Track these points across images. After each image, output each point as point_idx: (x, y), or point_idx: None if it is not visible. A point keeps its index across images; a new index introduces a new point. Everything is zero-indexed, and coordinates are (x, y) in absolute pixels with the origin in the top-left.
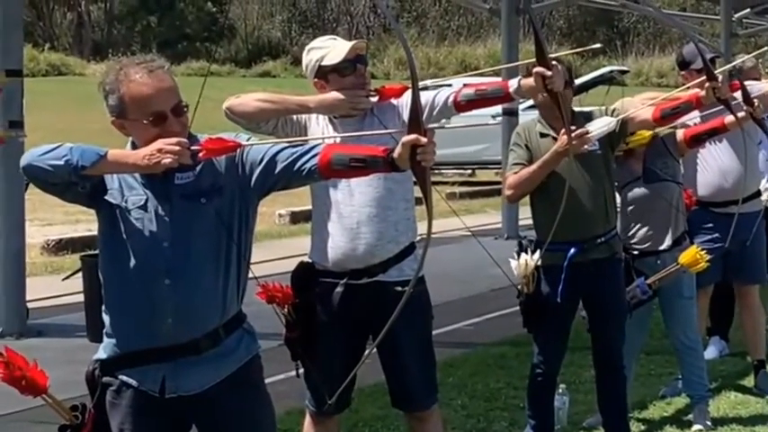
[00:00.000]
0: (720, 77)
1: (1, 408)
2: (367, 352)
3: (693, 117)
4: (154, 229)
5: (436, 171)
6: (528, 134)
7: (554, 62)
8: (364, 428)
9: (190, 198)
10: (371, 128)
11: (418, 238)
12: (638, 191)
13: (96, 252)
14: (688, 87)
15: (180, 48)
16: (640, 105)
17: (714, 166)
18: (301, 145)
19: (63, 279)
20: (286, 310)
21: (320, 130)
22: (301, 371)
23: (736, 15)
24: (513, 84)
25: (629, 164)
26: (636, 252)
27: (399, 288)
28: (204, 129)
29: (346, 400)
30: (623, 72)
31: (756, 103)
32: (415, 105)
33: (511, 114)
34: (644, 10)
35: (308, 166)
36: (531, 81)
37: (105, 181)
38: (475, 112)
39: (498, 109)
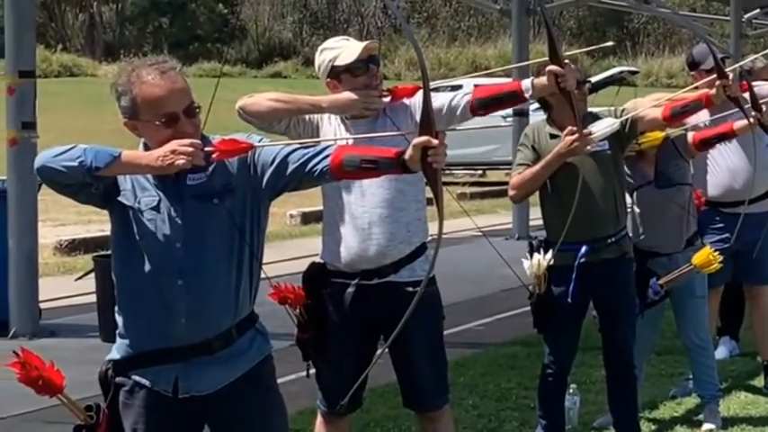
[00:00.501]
0: (731, 76)
1: (14, 408)
2: (379, 352)
3: (703, 119)
4: (167, 230)
5: (447, 172)
6: (537, 135)
7: (566, 61)
8: (376, 428)
9: (202, 199)
10: (384, 128)
11: (429, 238)
12: (650, 195)
13: (109, 252)
14: (697, 87)
15: (191, 49)
16: (650, 105)
17: (724, 167)
18: (313, 146)
19: (76, 279)
20: (298, 310)
21: (332, 131)
22: (312, 371)
23: (746, 16)
24: (526, 84)
25: (641, 166)
26: (648, 253)
27: (411, 288)
28: (216, 130)
29: (358, 400)
30: (633, 72)
31: (765, 109)
32: (426, 107)
33: (522, 115)
34: (654, 10)
35: (319, 167)
36: (543, 80)
37: (118, 182)
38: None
39: (509, 110)
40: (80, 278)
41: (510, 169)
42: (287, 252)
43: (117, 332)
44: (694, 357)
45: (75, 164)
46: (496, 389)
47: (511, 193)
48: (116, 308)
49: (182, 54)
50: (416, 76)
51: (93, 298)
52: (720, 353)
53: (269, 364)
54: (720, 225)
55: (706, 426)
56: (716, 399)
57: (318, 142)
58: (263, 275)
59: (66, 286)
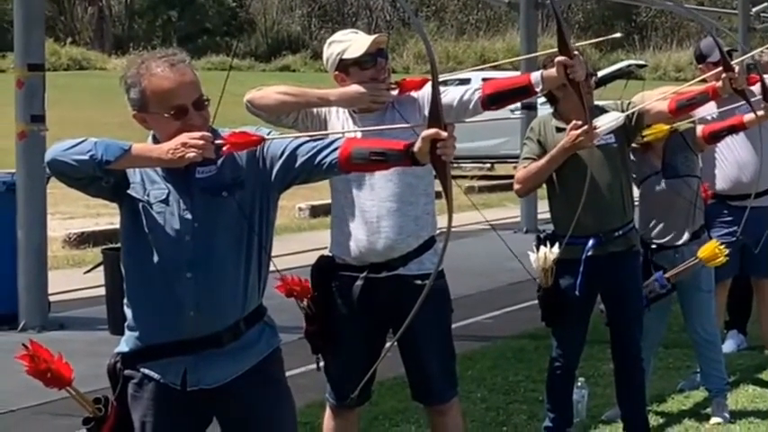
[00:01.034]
0: (737, 68)
1: (23, 401)
2: (388, 345)
3: (710, 112)
4: (175, 223)
5: (455, 165)
6: (543, 129)
7: (575, 52)
8: (384, 421)
9: (211, 192)
10: (392, 122)
11: (438, 231)
12: (658, 186)
13: (118, 246)
14: (704, 79)
15: (200, 42)
16: (657, 98)
17: (732, 160)
18: (322, 139)
19: (85, 272)
20: (305, 303)
21: (341, 124)
22: (322, 364)
23: (754, 9)
24: (535, 77)
25: (648, 158)
26: (654, 246)
27: (419, 281)
28: (225, 123)
29: (366, 393)
30: (641, 66)
31: None
32: (435, 99)
33: (530, 108)
34: (662, 4)
35: (328, 159)
36: (553, 72)
37: (128, 175)
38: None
39: (517, 103)
40: (89, 271)
41: (518, 162)
42: (295, 245)
43: (126, 325)
44: (701, 351)
45: (86, 157)
46: (504, 382)
47: (516, 187)
48: (125, 300)
49: (191, 47)
50: (425, 70)
51: (102, 291)
52: (728, 346)
53: (277, 357)
54: (728, 218)
55: (714, 419)
56: (723, 392)
57: (327, 135)
58: (271, 268)
59: (75, 279)
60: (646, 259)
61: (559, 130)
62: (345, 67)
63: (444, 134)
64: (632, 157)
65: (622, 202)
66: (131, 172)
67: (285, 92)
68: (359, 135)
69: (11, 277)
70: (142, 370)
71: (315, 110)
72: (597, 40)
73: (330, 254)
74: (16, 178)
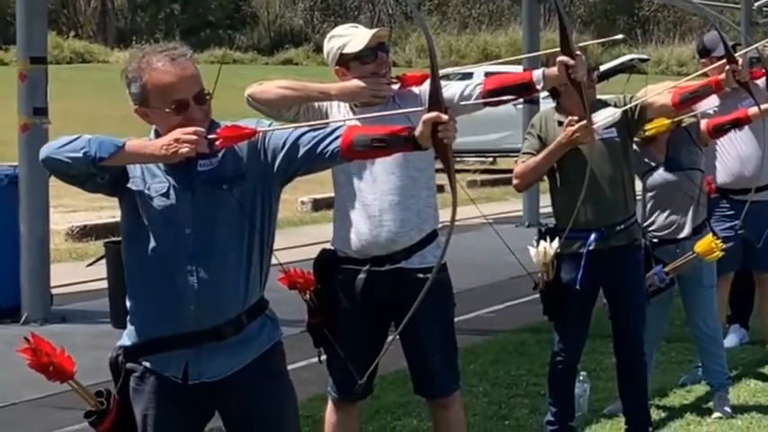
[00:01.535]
0: (741, 61)
1: (25, 394)
2: (390, 339)
3: (712, 106)
4: (176, 216)
5: (458, 159)
6: (545, 123)
7: (577, 52)
8: (386, 415)
9: (212, 184)
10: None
11: (440, 225)
12: (660, 178)
13: (120, 239)
14: (705, 72)
15: (203, 35)
16: (662, 92)
17: (734, 154)
18: (323, 128)
19: (87, 265)
20: (308, 296)
21: (342, 118)
22: (324, 357)
23: (756, 4)
24: (537, 75)
25: (650, 151)
26: (656, 240)
27: (422, 275)
28: (227, 116)
29: (368, 386)
30: (644, 60)
31: None
32: (435, 84)
33: (532, 102)
34: None
35: (330, 148)
36: (554, 71)
37: (127, 169)
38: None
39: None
40: (91, 264)
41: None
42: (298, 239)
43: (128, 318)
44: (703, 346)
45: (80, 155)
46: (507, 376)
47: (515, 181)
48: (127, 294)
49: (193, 40)
50: (428, 63)
51: (105, 284)
52: (730, 341)
53: (279, 351)
54: (730, 212)
55: (716, 414)
56: (725, 387)
57: (328, 124)
58: (273, 261)
59: (77, 272)
60: (647, 253)
61: (561, 124)
62: (346, 62)
63: (445, 117)
64: (636, 148)
65: (624, 197)
66: (131, 166)
67: (286, 86)
68: (358, 124)
69: (13, 270)
70: (144, 363)
71: (316, 104)
72: (599, 40)
73: (332, 247)
74: (19, 171)
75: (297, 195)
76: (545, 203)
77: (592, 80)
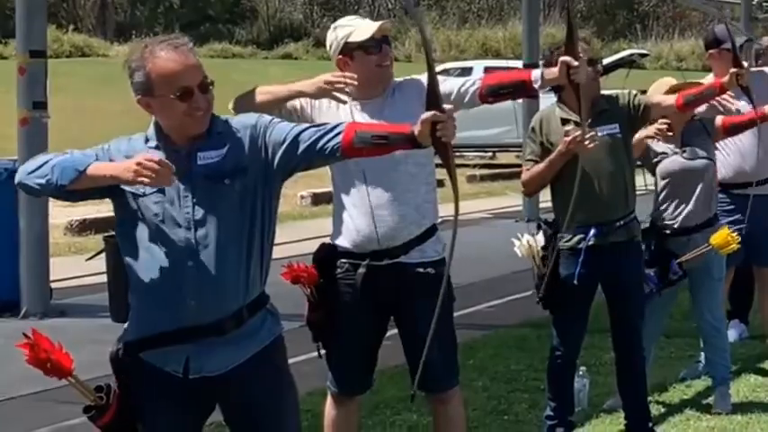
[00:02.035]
0: (746, 64)
1: (25, 388)
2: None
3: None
4: (175, 212)
5: (457, 154)
6: (546, 125)
7: (581, 55)
8: (385, 410)
9: (213, 179)
10: (393, 106)
11: (439, 220)
12: (677, 165)
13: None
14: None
15: (202, 29)
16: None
17: (734, 148)
18: (324, 124)
19: (86, 259)
20: (309, 290)
21: (341, 111)
22: (323, 352)
23: None
24: (535, 75)
25: (666, 140)
26: (668, 231)
27: (421, 269)
28: (227, 111)
29: (368, 381)
30: (643, 55)
31: None
32: (432, 82)
33: (531, 97)
34: None
35: (331, 144)
36: (554, 71)
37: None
38: None
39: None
40: (91, 258)
41: (520, 151)
42: (297, 233)
43: (129, 314)
44: (708, 339)
45: (44, 182)
46: (506, 370)
47: (522, 189)
48: (129, 289)
49: (193, 34)
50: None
51: (104, 278)
52: (730, 336)
53: (280, 345)
54: (730, 207)
55: (716, 409)
56: (727, 381)
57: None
58: (273, 256)
59: (76, 266)
60: (659, 245)
61: (564, 121)
62: (350, 51)
63: (443, 116)
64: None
65: (625, 193)
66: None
67: (262, 91)
68: (357, 119)
69: (12, 264)
70: (144, 358)
71: (297, 105)
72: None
73: (332, 242)
74: (18, 165)
75: (296, 190)
76: (545, 198)
77: (597, 72)
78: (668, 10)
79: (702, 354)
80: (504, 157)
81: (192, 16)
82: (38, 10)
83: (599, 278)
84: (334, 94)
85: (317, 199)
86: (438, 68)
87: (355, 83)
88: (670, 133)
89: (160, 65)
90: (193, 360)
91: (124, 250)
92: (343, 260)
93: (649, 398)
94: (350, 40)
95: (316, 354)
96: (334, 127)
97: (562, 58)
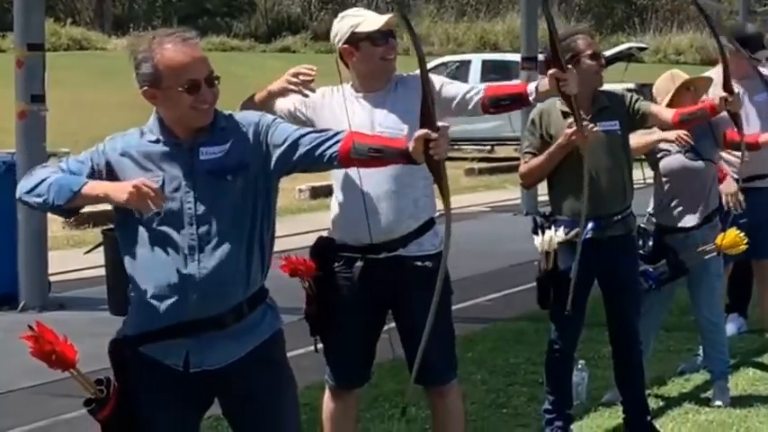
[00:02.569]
0: (736, 90)
1: (23, 381)
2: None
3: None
4: (176, 206)
5: (456, 147)
6: (547, 117)
7: (569, 66)
8: (384, 403)
9: (216, 174)
10: (395, 100)
11: (437, 213)
12: (678, 164)
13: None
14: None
15: (200, 23)
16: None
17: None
18: (326, 130)
19: (85, 253)
20: (307, 284)
21: (342, 108)
22: (320, 346)
23: None
24: (530, 88)
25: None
26: (667, 228)
27: (419, 263)
28: (223, 104)
29: (366, 374)
30: (642, 49)
31: None
32: (426, 100)
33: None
34: None
35: (329, 152)
36: (546, 83)
37: (117, 173)
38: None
39: (516, 82)
40: (89, 251)
41: (518, 145)
42: (296, 226)
43: (129, 308)
44: (706, 334)
45: (41, 201)
46: (505, 364)
47: (521, 181)
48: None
49: (191, 27)
50: (425, 51)
51: (103, 271)
52: (729, 330)
53: (280, 339)
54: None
55: (715, 402)
56: (725, 375)
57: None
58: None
59: (75, 259)
60: (657, 241)
61: (565, 114)
62: (357, 41)
63: (434, 135)
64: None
65: (623, 187)
66: (120, 171)
67: (244, 102)
68: (362, 112)
69: (11, 258)
70: (144, 352)
71: (294, 105)
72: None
73: (329, 235)
74: (16, 158)
75: (295, 183)
76: (543, 191)
77: (600, 65)
78: (666, 3)
79: (701, 347)
80: (502, 151)
81: (190, 9)
82: (36, 3)
83: (596, 272)
84: (299, 88)
85: (316, 193)
86: (436, 62)
87: (313, 74)
88: (689, 142)
89: (169, 56)
90: (194, 354)
91: (125, 247)
92: (341, 253)
93: (648, 391)
94: (357, 30)
95: (313, 347)
96: (334, 135)
97: (550, 72)
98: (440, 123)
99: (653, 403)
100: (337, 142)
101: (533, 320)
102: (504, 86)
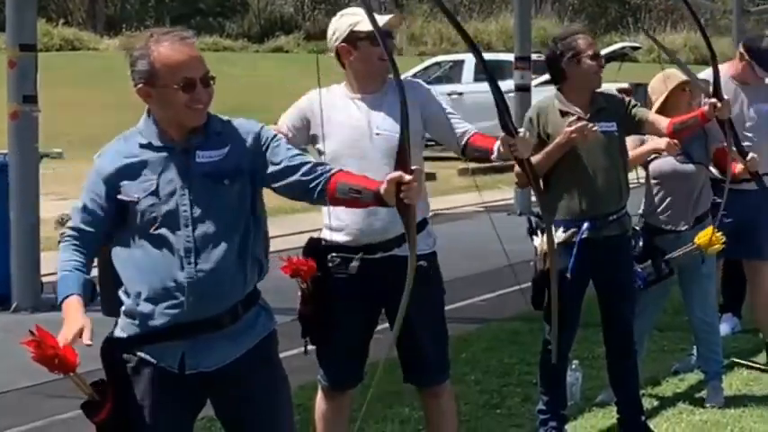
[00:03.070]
0: (726, 98)
1: (19, 381)
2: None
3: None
4: (171, 209)
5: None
6: (544, 118)
7: (520, 130)
8: (377, 403)
9: (213, 178)
10: (393, 101)
11: (430, 214)
12: (669, 167)
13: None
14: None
15: (193, 23)
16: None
17: (721, 138)
18: (321, 164)
19: None
20: (305, 284)
21: (344, 113)
22: (310, 347)
23: None
24: (496, 145)
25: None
26: (658, 228)
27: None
28: (217, 104)
29: (359, 374)
30: (635, 48)
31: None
32: (402, 144)
33: (524, 90)
34: None
35: (318, 188)
36: (502, 147)
37: (118, 188)
38: (487, 87)
39: (511, 85)
40: None
41: None
42: (289, 226)
43: (122, 310)
44: (699, 334)
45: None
46: (499, 364)
47: (516, 180)
48: (122, 288)
49: (184, 27)
50: (418, 52)
51: (95, 272)
52: (722, 330)
53: (274, 340)
54: (717, 201)
55: (709, 402)
56: (719, 375)
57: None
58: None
59: None
60: (647, 242)
61: (563, 113)
62: (355, 40)
63: (408, 177)
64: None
65: (619, 187)
66: (120, 184)
67: None
68: (359, 110)
69: (3, 258)
70: (139, 354)
71: (290, 125)
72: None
73: (323, 235)
74: (8, 159)
75: None
76: None
77: (601, 66)
78: (660, 3)
79: (695, 347)
80: None
81: (183, 9)
82: (28, 3)
83: (591, 272)
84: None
85: None
86: (430, 61)
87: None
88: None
89: (166, 54)
90: (189, 356)
91: (119, 249)
92: (336, 254)
93: (642, 391)
94: (357, 28)
95: (309, 347)
96: (326, 171)
97: (500, 137)
98: (413, 167)
99: (647, 403)
100: (328, 180)
101: (528, 321)
102: (484, 138)
